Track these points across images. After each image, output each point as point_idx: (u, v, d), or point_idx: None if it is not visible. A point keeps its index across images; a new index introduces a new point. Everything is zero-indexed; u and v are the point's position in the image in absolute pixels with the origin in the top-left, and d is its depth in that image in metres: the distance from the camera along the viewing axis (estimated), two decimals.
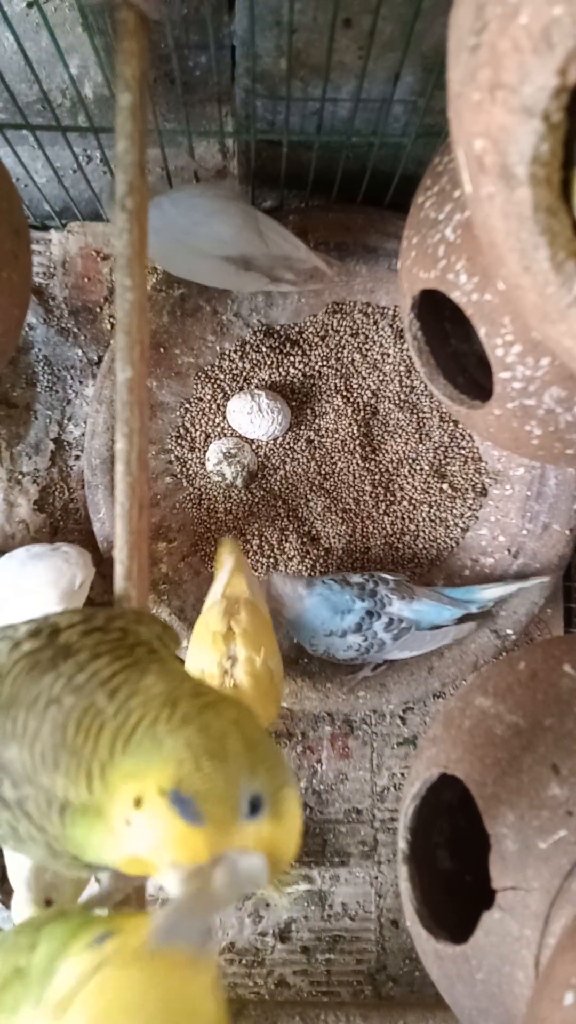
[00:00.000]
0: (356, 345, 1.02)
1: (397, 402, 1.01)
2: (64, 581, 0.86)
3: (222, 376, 1.01)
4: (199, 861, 0.36)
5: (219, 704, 0.40)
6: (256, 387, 1.00)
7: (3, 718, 0.43)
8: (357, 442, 1.00)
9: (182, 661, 0.50)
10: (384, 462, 1.01)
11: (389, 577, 0.91)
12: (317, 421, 1.01)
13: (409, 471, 1.00)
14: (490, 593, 0.93)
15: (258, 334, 1.01)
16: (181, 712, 0.39)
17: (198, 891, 0.35)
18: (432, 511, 1.00)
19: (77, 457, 1.01)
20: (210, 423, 1.00)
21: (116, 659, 0.44)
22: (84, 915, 0.43)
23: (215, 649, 0.78)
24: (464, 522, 1.00)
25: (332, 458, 1.00)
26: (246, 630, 0.79)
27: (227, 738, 0.38)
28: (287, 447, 1.00)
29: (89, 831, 0.41)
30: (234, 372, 1.01)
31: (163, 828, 0.37)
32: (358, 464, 1.00)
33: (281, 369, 1.01)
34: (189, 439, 1.00)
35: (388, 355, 1.02)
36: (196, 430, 1.00)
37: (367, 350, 1.02)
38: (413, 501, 1.00)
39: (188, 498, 0.99)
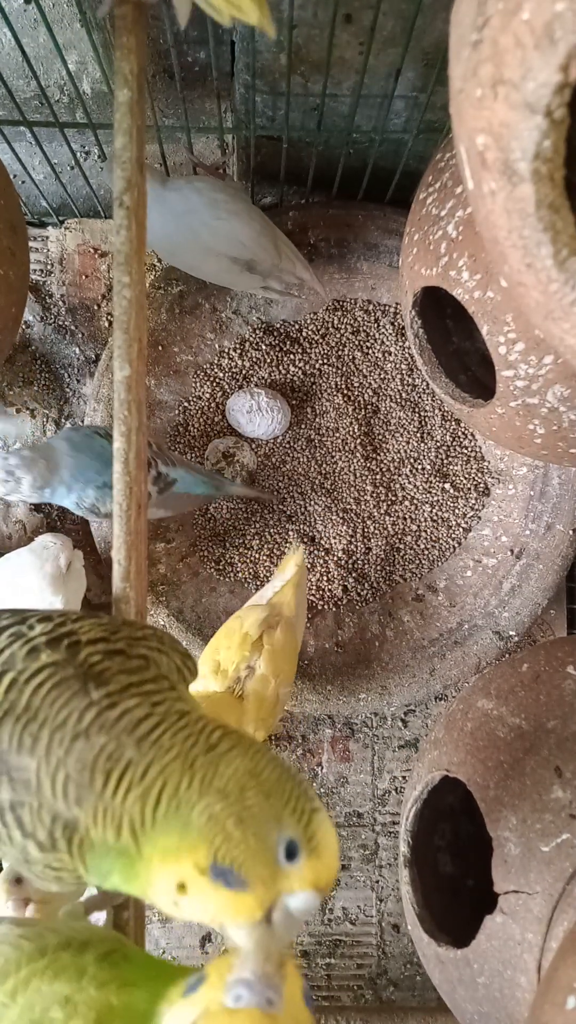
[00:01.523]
0: (357, 343, 1.01)
1: (398, 400, 1.01)
2: (49, 565, 0.85)
3: (221, 374, 1.00)
4: (255, 918, 0.39)
5: (232, 755, 0.41)
6: (256, 385, 0.99)
7: (18, 727, 0.43)
8: (358, 441, 1.00)
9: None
10: (385, 461, 1.00)
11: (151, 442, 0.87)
12: (317, 420, 1.00)
13: (411, 470, 1.00)
14: (235, 489, 0.93)
15: (258, 332, 1.01)
16: (199, 776, 0.40)
17: (261, 942, 0.38)
18: (434, 511, 0.99)
19: None
20: (209, 422, 0.99)
21: (145, 697, 0.44)
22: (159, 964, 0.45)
23: (240, 651, 0.77)
24: (466, 522, 1.00)
25: (333, 457, 1.00)
26: (274, 651, 0.78)
27: (246, 796, 0.40)
28: (287, 446, 1.00)
29: (125, 880, 0.42)
30: (233, 370, 1.00)
31: (213, 902, 0.39)
32: (359, 463, 1.00)
33: (281, 367, 1.01)
34: (188, 438, 0.99)
35: (389, 353, 1.01)
36: (195, 429, 0.99)
37: (368, 348, 1.01)
38: (415, 501, 0.99)
39: None
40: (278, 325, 1.01)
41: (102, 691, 0.44)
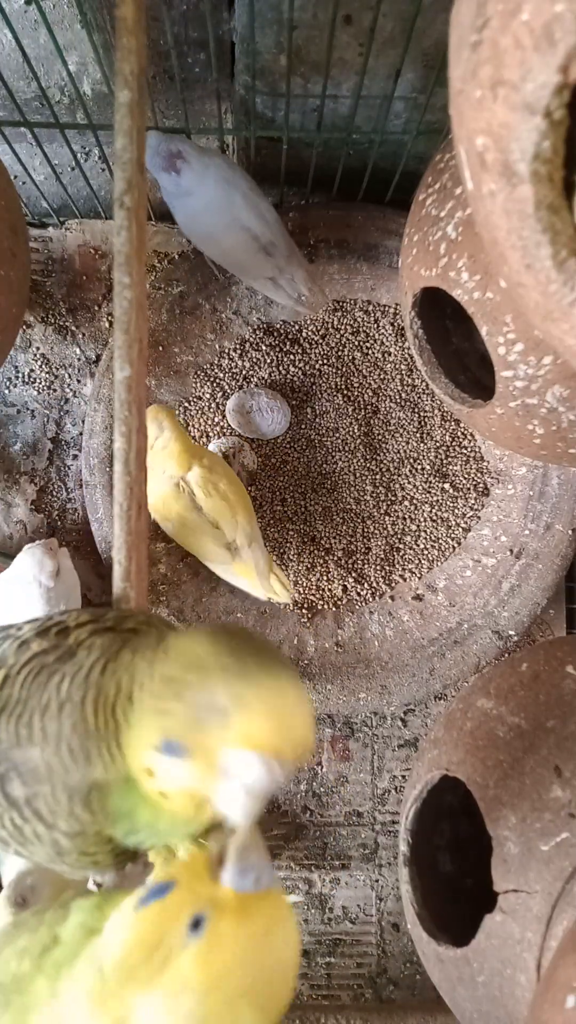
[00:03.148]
0: (357, 343, 1.01)
1: (398, 401, 1.01)
2: (43, 576, 0.84)
3: (221, 375, 1.00)
4: (211, 779, 0.40)
5: (180, 645, 0.42)
6: (256, 386, 0.99)
7: (13, 722, 0.44)
8: (358, 441, 1.00)
9: None
10: (385, 461, 1.00)
11: None
12: (317, 420, 1.01)
13: (410, 470, 1.00)
14: None
15: (258, 332, 1.01)
16: (155, 670, 0.42)
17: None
18: (434, 511, 0.99)
19: (75, 456, 1.01)
20: (209, 422, 1.00)
21: (106, 648, 0.46)
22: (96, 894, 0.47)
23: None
24: (466, 522, 1.00)
25: (333, 457, 1.00)
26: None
27: (187, 675, 0.41)
28: (287, 446, 1.00)
29: (146, 803, 0.43)
30: (233, 371, 1.00)
31: (176, 775, 0.41)
32: (359, 463, 1.00)
33: (281, 368, 1.01)
34: None
35: (389, 353, 1.01)
36: (195, 429, 0.99)
37: (368, 348, 1.01)
38: (414, 501, 1.00)
39: None
40: (278, 326, 1.01)
41: (71, 662, 0.45)
